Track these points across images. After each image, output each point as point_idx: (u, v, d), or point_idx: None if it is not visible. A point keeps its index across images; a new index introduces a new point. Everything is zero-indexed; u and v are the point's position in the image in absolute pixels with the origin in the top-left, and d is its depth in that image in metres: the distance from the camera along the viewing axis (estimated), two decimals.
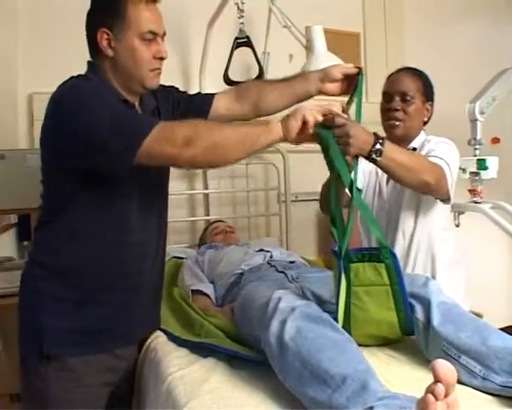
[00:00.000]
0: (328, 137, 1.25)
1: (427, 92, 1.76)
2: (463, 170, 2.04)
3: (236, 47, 2.17)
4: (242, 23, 2.13)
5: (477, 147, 2.07)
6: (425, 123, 1.80)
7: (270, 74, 2.50)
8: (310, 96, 1.58)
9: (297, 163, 2.72)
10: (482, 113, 2.07)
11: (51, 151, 1.28)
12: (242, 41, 2.16)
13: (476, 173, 2.02)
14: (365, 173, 1.83)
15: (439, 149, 1.67)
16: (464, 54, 3.33)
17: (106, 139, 1.17)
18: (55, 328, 1.29)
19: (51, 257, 1.32)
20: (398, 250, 1.68)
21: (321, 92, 1.55)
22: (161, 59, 1.33)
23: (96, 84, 1.28)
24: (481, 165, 2.00)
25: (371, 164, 1.43)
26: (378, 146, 1.35)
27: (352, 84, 1.50)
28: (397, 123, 1.70)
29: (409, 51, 3.27)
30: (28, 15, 2.32)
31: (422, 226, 1.70)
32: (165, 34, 1.35)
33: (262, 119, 1.33)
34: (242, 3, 2.02)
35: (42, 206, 1.37)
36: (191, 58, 2.68)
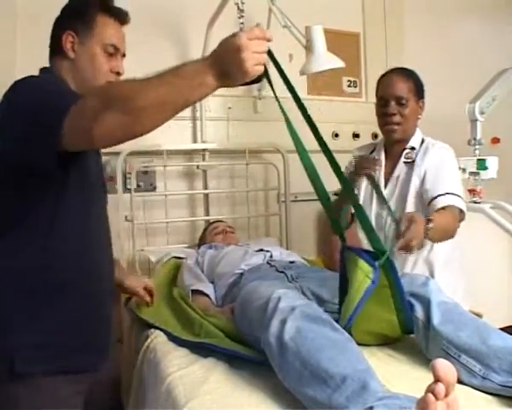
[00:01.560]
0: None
1: (419, 91, 1.79)
2: (463, 170, 2.04)
3: None
4: (242, 23, 2.12)
5: (477, 147, 2.07)
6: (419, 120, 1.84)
7: (270, 74, 2.50)
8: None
9: (297, 163, 2.69)
10: (482, 113, 2.07)
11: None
12: None
13: (476, 173, 2.02)
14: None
15: (444, 173, 1.70)
16: (464, 53, 3.33)
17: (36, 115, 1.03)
18: (24, 345, 1.14)
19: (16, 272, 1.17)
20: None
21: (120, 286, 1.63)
22: (118, 74, 1.32)
23: (46, 76, 1.25)
24: (481, 165, 2.00)
25: None
26: (428, 231, 1.43)
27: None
28: (395, 127, 1.74)
29: (408, 51, 3.27)
30: (27, 18, 2.32)
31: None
32: (124, 55, 1.35)
33: None
34: (242, 3, 2.01)
35: None
36: (191, 58, 2.67)
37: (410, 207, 1.71)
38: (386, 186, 1.80)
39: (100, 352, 1.29)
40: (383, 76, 1.84)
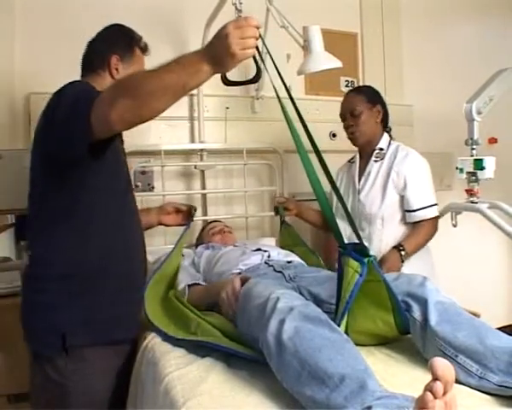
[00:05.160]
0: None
1: (371, 99, 2.12)
2: (461, 170, 2.04)
3: None
4: None
5: (474, 147, 2.08)
6: (382, 122, 2.16)
7: (267, 74, 2.50)
8: (152, 227, 1.97)
9: (294, 163, 2.72)
10: (479, 113, 2.07)
11: (45, 147, 1.36)
12: None
13: (473, 173, 2.03)
14: (338, 177, 2.27)
15: (423, 184, 2.06)
16: (461, 53, 3.34)
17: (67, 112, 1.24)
18: (71, 321, 1.38)
19: (56, 258, 1.40)
20: (373, 248, 2.02)
21: (161, 224, 1.98)
22: None
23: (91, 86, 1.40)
24: (478, 165, 2.01)
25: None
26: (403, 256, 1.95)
27: (186, 218, 1.96)
28: (354, 135, 2.12)
29: (406, 51, 3.29)
30: (25, 16, 2.32)
31: (391, 227, 2.08)
32: None
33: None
34: (240, 3, 2.01)
35: (36, 210, 1.44)
36: None
37: (389, 199, 2.06)
38: (359, 180, 2.16)
39: (136, 323, 1.54)
40: (343, 98, 2.20)
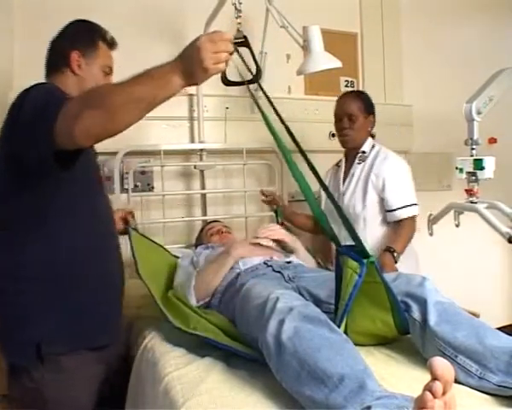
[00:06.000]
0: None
1: (367, 109, 2.22)
2: (460, 170, 2.04)
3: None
4: (240, 23, 2.12)
5: (474, 147, 2.07)
6: (370, 131, 2.28)
7: (267, 74, 2.51)
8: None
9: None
10: (479, 113, 2.07)
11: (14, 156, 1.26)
12: (240, 41, 2.15)
13: (473, 173, 2.02)
14: (325, 180, 2.29)
15: (401, 184, 2.17)
16: (461, 53, 3.34)
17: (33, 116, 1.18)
18: (46, 330, 1.33)
19: (26, 265, 1.34)
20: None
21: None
22: None
23: (56, 88, 1.36)
24: (478, 165, 2.00)
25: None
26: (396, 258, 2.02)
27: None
28: (347, 138, 2.22)
29: (406, 51, 3.29)
30: (24, 16, 2.32)
31: (373, 228, 2.17)
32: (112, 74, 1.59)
33: None
34: (240, 3, 2.01)
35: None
36: None
37: (370, 200, 2.16)
38: (344, 182, 2.27)
39: (112, 331, 1.49)
40: (339, 97, 2.27)
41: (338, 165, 2.39)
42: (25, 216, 1.32)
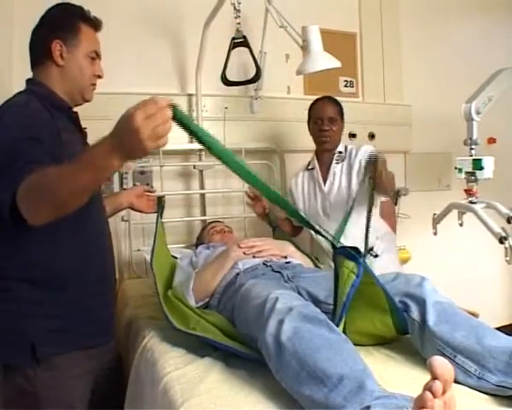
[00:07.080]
0: None
1: (342, 114, 2.36)
2: (459, 170, 2.04)
3: (233, 47, 2.16)
4: (239, 23, 2.13)
5: (473, 147, 2.08)
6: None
7: (266, 74, 2.51)
8: (121, 209, 1.94)
9: (293, 163, 2.73)
10: (478, 113, 2.07)
11: None
12: (239, 41, 2.16)
13: (472, 173, 2.02)
14: (298, 185, 2.43)
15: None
16: (460, 53, 3.34)
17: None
18: (39, 330, 1.33)
19: (28, 266, 1.33)
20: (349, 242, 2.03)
21: (131, 207, 1.96)
22: (99, 77, 1.51)
23: (30, 113, 1.30)
24: (477, 165, 2.00)
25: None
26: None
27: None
28: (328, 139, 2.31)
29: (405, 51, 3.29)
30: (24, 16, 2.31)
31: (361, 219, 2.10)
32: (100, 58, 1.52)
33: None
34: (239, 3, 2.01)
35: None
36: (187, 58, 2.68)
37: (355, 191, 2.21)
38: (325, 183, 2.33)
39: (105, 330, 1.49)
40: (316, 102, 2.37)
41: (308, 169, 2.43)
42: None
